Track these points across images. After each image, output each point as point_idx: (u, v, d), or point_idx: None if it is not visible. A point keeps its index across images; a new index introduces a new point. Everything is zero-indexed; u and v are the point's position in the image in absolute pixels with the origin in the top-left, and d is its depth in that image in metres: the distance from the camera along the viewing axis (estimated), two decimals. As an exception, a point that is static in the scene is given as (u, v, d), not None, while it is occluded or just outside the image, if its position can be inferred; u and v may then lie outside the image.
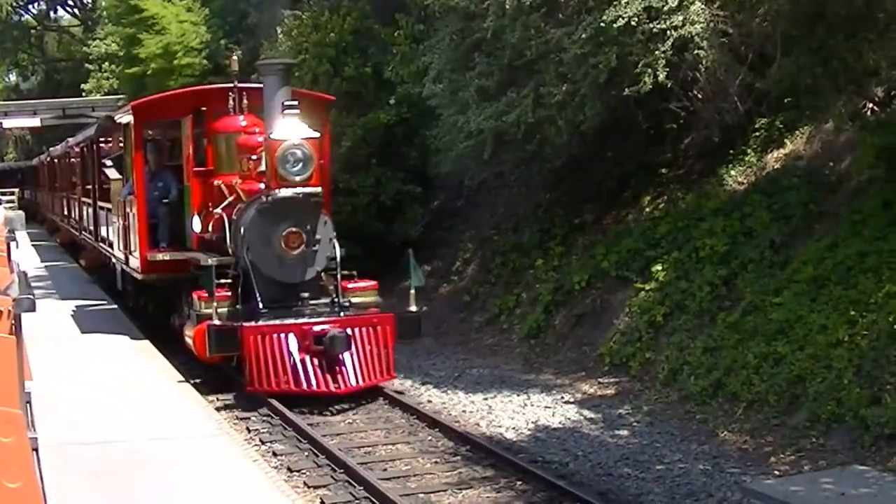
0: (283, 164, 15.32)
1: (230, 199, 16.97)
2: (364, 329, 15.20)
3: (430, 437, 13.32)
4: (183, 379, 15.03)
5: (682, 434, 12.89)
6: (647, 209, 17.83)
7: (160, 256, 18.42)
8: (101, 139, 26.21)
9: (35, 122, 54.94)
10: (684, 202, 17.04)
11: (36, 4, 71.75)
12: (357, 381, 14.92)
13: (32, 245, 37.80)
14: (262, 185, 16.06)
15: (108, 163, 22.98)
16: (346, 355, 14.94)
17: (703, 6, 14.71)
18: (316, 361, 14.84)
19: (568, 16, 15.57)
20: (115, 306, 22.28)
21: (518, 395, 15.07)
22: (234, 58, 19.42)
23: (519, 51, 16.16)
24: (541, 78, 16.13)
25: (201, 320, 15.28)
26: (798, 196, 15.10)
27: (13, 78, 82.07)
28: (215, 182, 17.66)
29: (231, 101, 17.85)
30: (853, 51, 12.83)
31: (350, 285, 16.11)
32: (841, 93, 13.46)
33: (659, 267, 16.05)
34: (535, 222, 20.25)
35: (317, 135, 15.89)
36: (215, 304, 15.12)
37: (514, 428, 13.69)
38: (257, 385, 14.72)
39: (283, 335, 14.84)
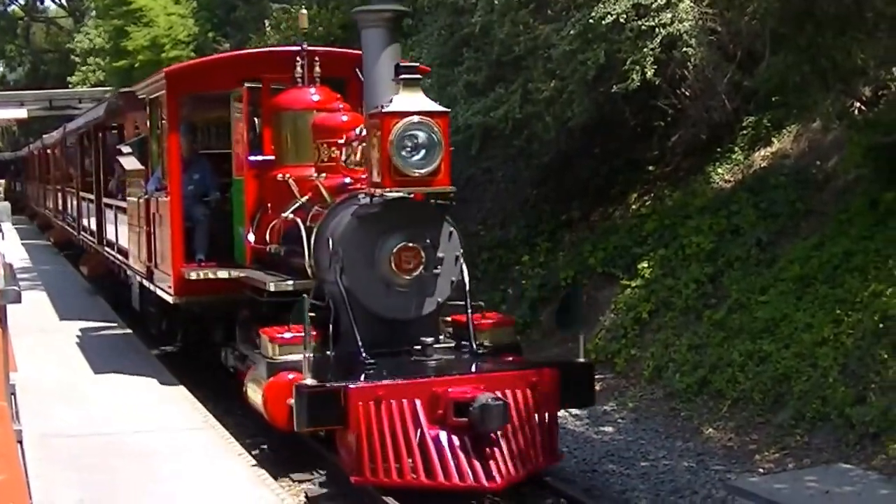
0: (398, 151, 10.61)
1: (303, 198, 12.67)
2: (521, 391, 10.33)
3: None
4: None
5: (667, 431, 12.90)
6: (634, 206, 17.84)
7: (202, 274, 13.93)
8: (108, 123, 23.01)
9: (22, 112, 54.88)
10: (671, 199, 17.06)
11: (24, -5, 71.72)
12: (517, 471, 10.05)
13: (22, 244, 35.72)
14: (347, 180, 12.36)
15: (125, 149, 18.54)
16: (501, 432, 10.05)
17: (691, 4, 14.72)
18: (456, 441, 9.90)
19: (556, 12, 15.57)
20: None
21: (503, 391, 15.03)
22: (304, 12, 15.96)
23: (507, 46, 16.15)
24: (529, 74, 16.13)
25: (275, 371, 10.75)
26: (785, 194, 15.12)
27: (0, 69, 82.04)
28: (278, 176, 13.28)
29: (299, 69, 13.80)
30: (842, 49, 12.84)
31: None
32: (829, 91, 13.47)
33: (645, 264, 16.05)
34: (522, 218, 20.24)
35: (446, 110, 11.22)
36: (306, 352, 10.13)
37: (499, 424, 13.64)
38: (369, 475, 9.87)
39: (406, 401, 9.94)
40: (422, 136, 10.70)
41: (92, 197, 23.80)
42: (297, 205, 12.63)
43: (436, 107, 11.04)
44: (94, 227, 23.62)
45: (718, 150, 16.97)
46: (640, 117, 17.91)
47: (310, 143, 13.16)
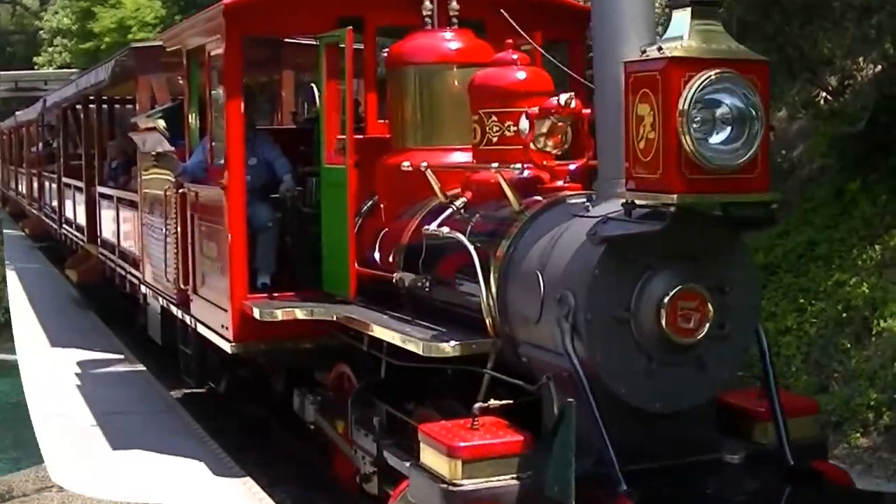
0: (688, 126, 5.71)
1: (457, 201, 8.07)
2: None
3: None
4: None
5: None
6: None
7: (279, 314, 9.06)
8: (103, 94, 19.03)
9: (-11, 94, 54.58)
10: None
11: (-11, -25, 71.33)
12: None
13: None
14: (526, 174, 7.69)
15: (142, 124, 13.77)
16: None
17: (659, -9, 14.72)
18: None
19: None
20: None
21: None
22: None
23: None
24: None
25: (458, 501, 5.95)
26: (750, 183, 15.10)
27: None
28: (403, 164, 8.47)
29: (427, 4, 9.17)
30: (808, 38, 12.85)
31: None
32: (795, 80, 13.49)
33: (611, 251, 15.98)
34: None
35: (764, 59, 6.12)
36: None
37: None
38: None
39: None
40: (730, 102, 5.85)
41: (80, 184, 19.64)
42: (447, 210, 8.08)
43: (748, 53, 6.10)
44: (82, 220, 19.65)
45: (685, 138, 16.93)
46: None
47: (456, 113, 8.80)
